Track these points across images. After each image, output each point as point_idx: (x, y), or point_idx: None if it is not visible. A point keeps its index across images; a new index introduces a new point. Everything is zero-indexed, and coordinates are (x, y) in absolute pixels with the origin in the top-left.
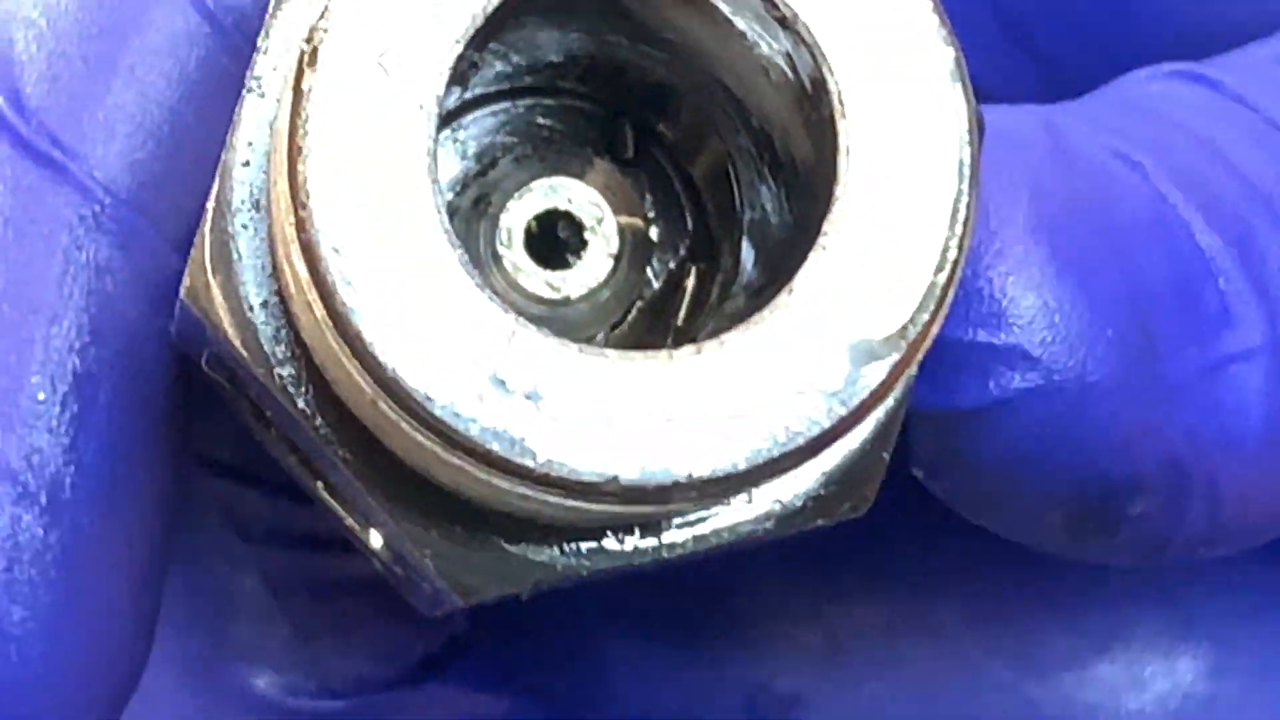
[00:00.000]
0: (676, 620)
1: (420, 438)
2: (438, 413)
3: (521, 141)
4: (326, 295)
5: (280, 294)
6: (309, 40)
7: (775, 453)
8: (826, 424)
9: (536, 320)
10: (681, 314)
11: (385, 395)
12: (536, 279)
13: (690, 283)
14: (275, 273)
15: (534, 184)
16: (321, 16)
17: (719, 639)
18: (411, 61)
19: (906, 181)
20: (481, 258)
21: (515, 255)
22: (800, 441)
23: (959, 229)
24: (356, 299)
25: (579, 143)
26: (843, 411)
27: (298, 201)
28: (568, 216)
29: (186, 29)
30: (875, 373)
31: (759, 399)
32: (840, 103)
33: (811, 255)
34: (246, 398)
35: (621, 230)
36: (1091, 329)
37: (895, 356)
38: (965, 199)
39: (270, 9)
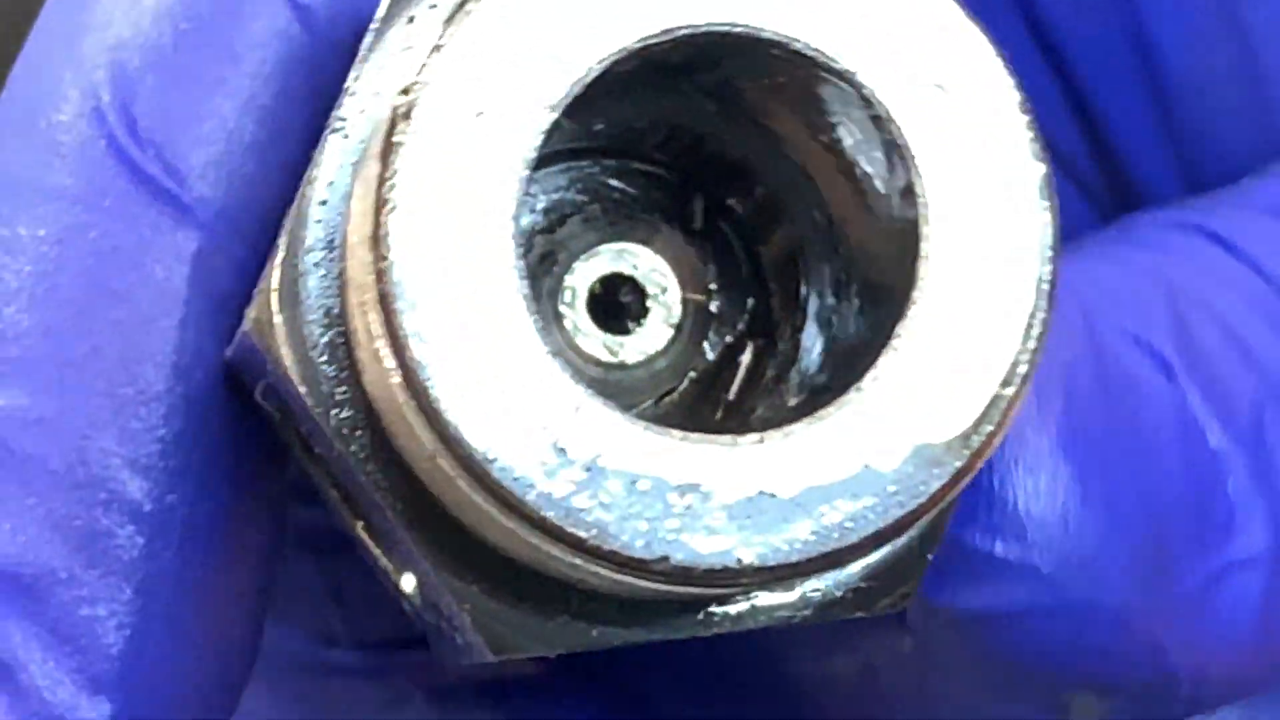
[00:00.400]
0: (710, 648)
1: (476, 497)
2: (496, 474)
3: (591, 201)
4: (399, 348)
5: (345, 337)
6: (406, 93)
7: (828, 547)
8: (881, 524)
9: (593, 383)
10: (734, 388)
11: (446, 452)
12: (595, 341)
13: (746, 358)
14: (343, 316)
15: (601, 247)
16: (420, 71)
17: (753, 669)
18: (506, 125)
19: (984, 292)
20: (543, 314)
21: (577, 316)
22: (854, 538)
23: (1031, 344)
24: (428, 354)
25: (648, 208)
26: (899, 513)
27: (378, 253)
28: (632, 282)
29: (291, 49)
30: (936, 478)
31: (817, 493)
32: (926, 208)
33: (882, 357)
34: (296, 430)
35: (684, 302)
36: (1108, 551)
37: (956, 464)
38: (1041, 315)
39: (361, 53)
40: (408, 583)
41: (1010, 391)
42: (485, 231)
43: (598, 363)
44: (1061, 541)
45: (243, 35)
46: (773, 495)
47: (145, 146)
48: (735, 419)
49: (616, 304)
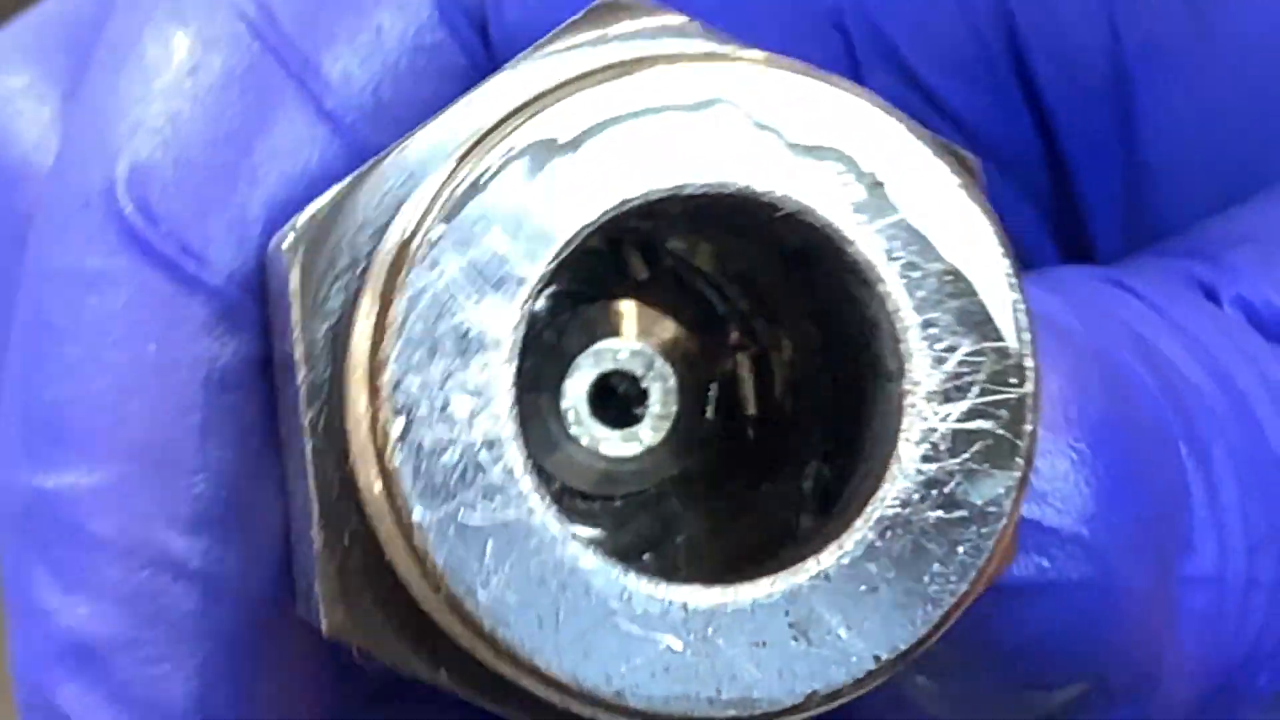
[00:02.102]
0: None
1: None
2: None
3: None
4: (420, 557)
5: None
6: (405, 246)
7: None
8: (903, 647)
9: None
10: (750, 403)
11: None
12: (617, 444)
13: (745, 374)
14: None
15: (578, 359)
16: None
17: None
18: (491, 289)
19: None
20: (554, 437)
21: (589, 429)
22: (871, 666)
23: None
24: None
25: (598, 282)
26: (925, 630)
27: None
28: (620, 374)
29: (309, 132)
30: (950, 595)
31: (835, 628)
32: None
33: (881, 485)
34: None
35: (673, 362)
36: (1137, 539)
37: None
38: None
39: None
40: None
41: (1029, 388)
42: (486, 382)
43: (627, 459)
44: (1103, 526)
45: (256, 111)
46: (791, 634)
47: (160, 224)
48: (766, 427)
49: (617, 398)
